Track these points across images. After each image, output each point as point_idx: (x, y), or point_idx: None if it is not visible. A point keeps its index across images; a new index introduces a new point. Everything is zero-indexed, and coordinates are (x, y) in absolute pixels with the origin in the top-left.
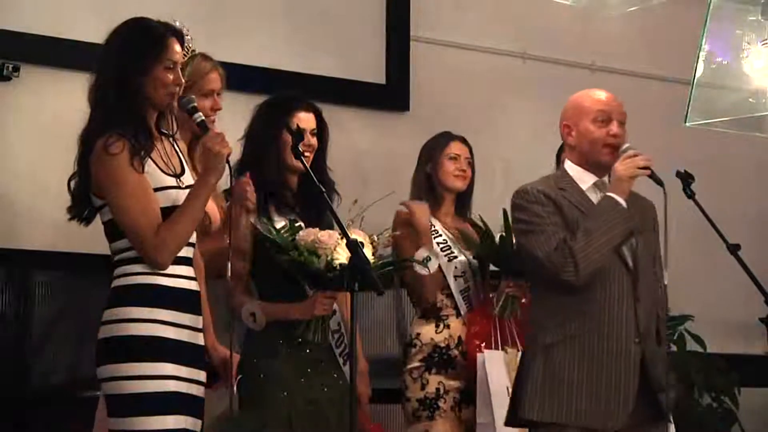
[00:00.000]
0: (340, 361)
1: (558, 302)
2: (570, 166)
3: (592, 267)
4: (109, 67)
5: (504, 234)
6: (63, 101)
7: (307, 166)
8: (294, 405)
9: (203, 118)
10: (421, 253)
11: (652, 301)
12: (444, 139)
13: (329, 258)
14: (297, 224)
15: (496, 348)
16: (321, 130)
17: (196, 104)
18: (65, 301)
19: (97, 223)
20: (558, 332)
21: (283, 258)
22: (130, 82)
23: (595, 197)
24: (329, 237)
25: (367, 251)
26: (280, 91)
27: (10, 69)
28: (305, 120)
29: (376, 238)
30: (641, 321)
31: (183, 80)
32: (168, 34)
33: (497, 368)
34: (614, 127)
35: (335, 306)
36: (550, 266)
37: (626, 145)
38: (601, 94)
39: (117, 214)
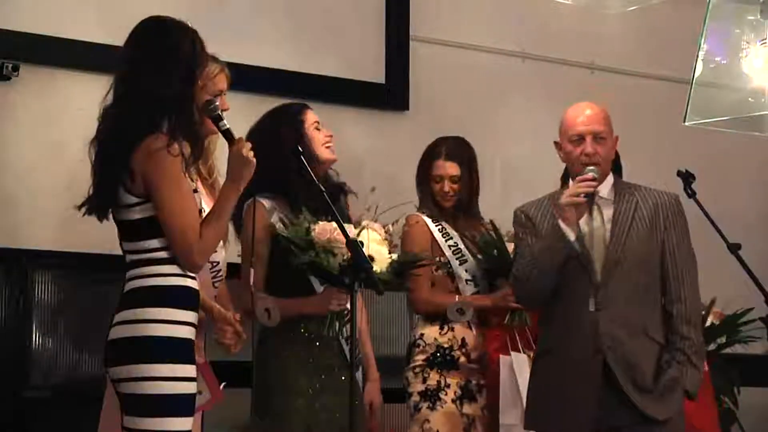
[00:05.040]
0: None
1: (542, 317)
2: (570, 182)
3: (528, 290)
4: (157, 69)
5: (497, 244)
6: (63, 101)
7: (307, 166)
8: (311, 412)
9: (228, 126)
10: (457, 304)
11: (625, 306)
12: (432, 153)
13: (345, 256)
14: (310, 219)
15: (515, 350)
16: None
17: (220, 111)
18: (66, 300)
19: (99, 223)
20: (540, 345)
21: (302, 259)
22: (186, 90)
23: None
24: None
25: (383, 249)
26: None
27: (10, 68)
28: (317, 116)
29: (391, 228)
30: (602, 329)
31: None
32: (201, 40)
33: (525, 371)
34: (587, 147)
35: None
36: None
37: (588, 169)
38: (578, 112)
39: (167, 215)
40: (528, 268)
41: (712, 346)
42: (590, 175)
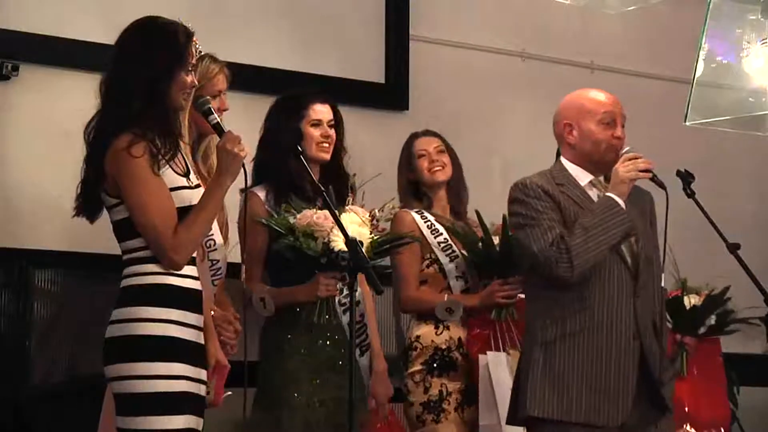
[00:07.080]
0: (358, 352)
1: (555, 299)
2: (567, 164)
3: (588, 264)
4: (130, 68)
5: (484, 236)
6: (62, 101)
7: (307, 165)
8: (310, 407)
9: (219, 120)
10: (446, 303)
11: (650, 296)
12: (409, 140)
13: (326, 240)
14: (302, 206)
15: (497, 350)
16: (337, 124)
17: (211, 106)
18: (66, 299)
19: (98, 222)
20: (557, 329)
21: (282, 243)
22: (158, 86)
23: (592, 194)
24: (325, 219)
25: (365, 230)
26: (294, 88)
27: (10, 68)
28: (322, 112)
29: (377, 213)
30: (639, 317)
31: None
32: (187, 37)
33: (501, 370)
34: (618, 130)
35: (359, 297)
36: (544, 261)
37: (627, 147)
38: (603, 95)
39: (136, 214)
40: (585, 241)
41: (702, 330)
42: (638, 153)
